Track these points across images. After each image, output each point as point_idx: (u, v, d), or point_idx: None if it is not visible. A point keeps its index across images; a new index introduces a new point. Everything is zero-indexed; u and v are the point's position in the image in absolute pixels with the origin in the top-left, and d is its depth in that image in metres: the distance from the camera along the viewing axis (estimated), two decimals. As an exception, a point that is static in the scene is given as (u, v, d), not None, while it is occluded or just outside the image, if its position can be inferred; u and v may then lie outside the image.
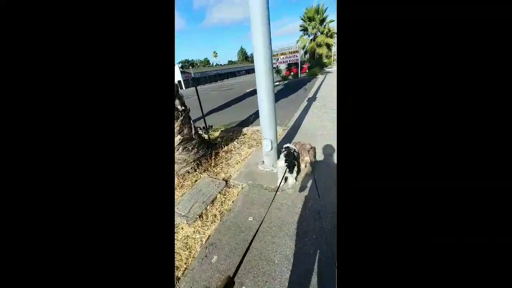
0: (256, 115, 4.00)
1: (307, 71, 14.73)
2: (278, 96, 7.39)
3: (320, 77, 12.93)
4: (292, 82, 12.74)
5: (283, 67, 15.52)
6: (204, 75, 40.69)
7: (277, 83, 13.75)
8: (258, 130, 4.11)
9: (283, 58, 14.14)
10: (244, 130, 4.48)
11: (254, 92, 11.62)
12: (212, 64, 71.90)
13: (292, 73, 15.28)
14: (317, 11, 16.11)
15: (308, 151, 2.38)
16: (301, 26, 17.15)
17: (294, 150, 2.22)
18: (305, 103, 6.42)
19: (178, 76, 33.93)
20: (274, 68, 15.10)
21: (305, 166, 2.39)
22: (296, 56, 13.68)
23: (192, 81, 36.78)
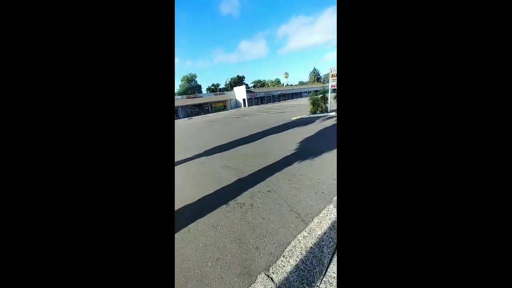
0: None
1: None
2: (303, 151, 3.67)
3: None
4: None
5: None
6: (268, 94, 39.88)
7: (330, 114, 9.12)
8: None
9: (346, 79, 9.40)
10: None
11: (302, 122, 7.09)
12: (283, 84, 71.86)
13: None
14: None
15: None
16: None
17: None
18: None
19: (243, 95, 34.78)
20: (333, 92, 10.47)
21: None
22: (369, 76, 8.65)
23: (256, 100, 36.76)
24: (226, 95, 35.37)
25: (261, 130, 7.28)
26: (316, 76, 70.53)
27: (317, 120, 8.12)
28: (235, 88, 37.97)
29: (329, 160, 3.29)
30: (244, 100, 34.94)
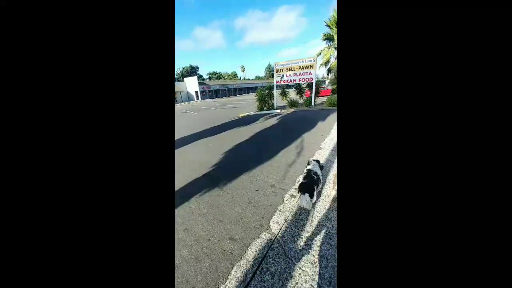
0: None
1: (330, 97, 9.26)
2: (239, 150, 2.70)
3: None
4: (296, 115, 7.59)
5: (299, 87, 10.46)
6: (223, 87, 37.91)
7: (276, 112, 8.74)
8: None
9: (289, 75, 9.07)
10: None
11: (246, 121, 6.93)
12: (240, 78, 70.46)
13: (305, 97, 10.09)
14: (350, 13, 10.94)
15: None
16: (324, 35, 11.97)
17: (315, 173, 1.91)
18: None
19: (196, 87, 31.75)
20: (278, 89, 10.13)
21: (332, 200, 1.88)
22: (310, 74, 8.52)
23: (210, 93, 34.29)
24: (177, 86, 31.34)
25: (198, 131, 6.10)
26: (271, 72, 72.30)
27: (261, 119, 7.52)
28: (186, 79, 34.04)
29: (246, 188, 2.37)
30: (196, 92, 32.04)
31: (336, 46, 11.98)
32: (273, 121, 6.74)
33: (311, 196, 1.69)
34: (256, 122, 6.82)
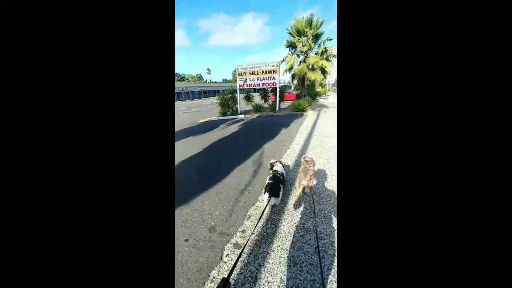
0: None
1: (294, 102, 9.13)
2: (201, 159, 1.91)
3: (309, 115, 7.46)
4: (259, 121, 7.14)
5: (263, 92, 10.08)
6: (186, 90, 35.48)
7: (239, 117, 8.04)
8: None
9: (252, 80, 8.63)
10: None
11: (205, 128, 6.33)
12: (205, 80, 67.78)
13: (271, 101, 9.79)
14: (309, 23, 11.24)
15: (310, 175, 1.81)
16: (287, 42, 12.12)
17: (281, 174, 1.92)
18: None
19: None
20: (242, 93, 9.60)
21: (302, 189, 1.90)
22: (274, 79, 8.27)
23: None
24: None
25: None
26: (239, 76, 71.90)
27: (222, 125, 6.80)
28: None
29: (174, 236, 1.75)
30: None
31: (298, 53, 12.28)
32: (234, 128, 6.10)
33: (277, 196, 1.68)
34: (215, 130, 6.05)
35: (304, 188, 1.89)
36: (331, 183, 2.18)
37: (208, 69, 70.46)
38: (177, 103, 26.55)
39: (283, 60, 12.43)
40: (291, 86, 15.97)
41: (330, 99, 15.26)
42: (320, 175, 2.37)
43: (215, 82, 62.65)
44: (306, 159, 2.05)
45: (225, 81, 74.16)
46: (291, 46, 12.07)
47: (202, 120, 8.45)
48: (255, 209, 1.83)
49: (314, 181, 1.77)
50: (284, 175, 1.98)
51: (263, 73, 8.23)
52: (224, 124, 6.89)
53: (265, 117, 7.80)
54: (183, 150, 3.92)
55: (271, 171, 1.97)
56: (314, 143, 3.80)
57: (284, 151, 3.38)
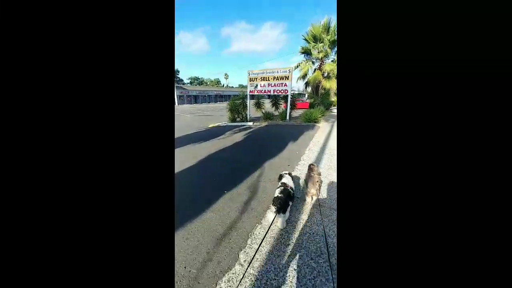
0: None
1: (306, 111, 8.40)
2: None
3: (322, 127, 6.74)
4: (267, 131, 6.57)
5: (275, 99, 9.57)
6: (202, 93, 36.23)
7: (248, 124, 7.48)
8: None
9: (263, 86, 8.10)
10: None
11: (210, 134, 5.96)
12: (223, 85, 69.22)
13: (283, 108, 9.19)
14: (326, 29, 10.58)
15: (316, 182, 1.83)
16: (302, 48, 11.52)
17: (291, 188, 1.76)
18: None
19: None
20: (253, 99, 9.15)
21: (311, 199, 1.88)
22: (285, 85, 7.68)
23: (189, 99, 32.29)
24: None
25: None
26: (254, 81, 72.48)
27: (228, 132, 6.37)
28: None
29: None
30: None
31: (313, 60, 11.64)
32: (239, 137, 5.61)
33: (284, 212, 1.52)
34: (219, 137, 5.62)
35: (312, 197, 1.82)
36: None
37: (226, 74, 71.98)
38: (192, 105, 27.05)
39: (297, 66, 11.86)
40: (305, 94, 15.26)
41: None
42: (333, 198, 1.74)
43: (232, 87, 63.67)
44: (311, 166, 2.00)
45: (240, 86, 75.22)
46: (306, 52, 11.48)
47: (211, 125, 8.14)
48: (231, 281, 1.25)
49: (319, 188, 1.72)
50: (294, 188, 1.82)
51: (275, 79, 7.72)
52: (230, 132, 6.46)
53: (274, 126, 7.23)
54: (177, 162, 3.48)
55: (279, 183, 1.81)
56: (326, 163, 3.15)
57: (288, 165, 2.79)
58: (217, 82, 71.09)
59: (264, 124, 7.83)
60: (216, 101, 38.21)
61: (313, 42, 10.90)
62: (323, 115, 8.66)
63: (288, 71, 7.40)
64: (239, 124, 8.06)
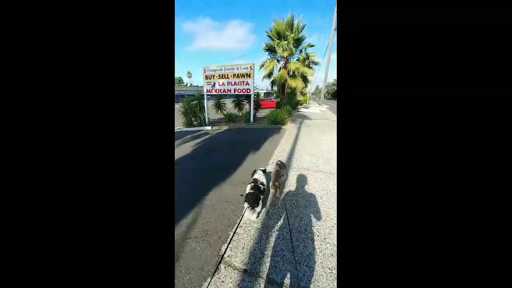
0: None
1: (272, 112, 7.58)
2: None
3: (289, 129, 6.03)
4: (225, 137, 5.47)
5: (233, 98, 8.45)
6: (162, 93, 32.47)
7: (205, 129, 5.97)
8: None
9: (222, 84, 6.95)
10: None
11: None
12: (185, 84, 64.42)
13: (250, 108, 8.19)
14: (290, 26, 10.12)
15: (281, 176, 1.99)
16: (266, 45, 10.83)
17: (262, 183, 1.84)
18: None
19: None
20: (210, 98, 7.91)
21: (275, 191, 1.94)
22: (247, 84, 6.72)
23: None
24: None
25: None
26: (221, 81, 69.89)
27: (178, 141, 5.03)
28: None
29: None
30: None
31: (278, 58, 11.07)
32: (188, 147, 4.37)
33: (256, 206, 1.61)
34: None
35: (276, 190, 1.90)
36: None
37: (189, 72, 67.27)
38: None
39: (262, 65, 11.11)
40: (273, 93, 14.69)
41: (312, 109, 14.16)
42: None
43: (196, 86, 59.73)
44: (278, 162, 2.16)
45: (206, 85, 71.36)
46: (270, 50, 10.81)
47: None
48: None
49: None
50: (265, 184, 1.87)
51: (235, 77, 6.67)
52: (180, 140, 5.12)
53: (235, 131, 6.19)
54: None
55: (252, 179, 1.88)
56: (291, 183, 2.29)
57: (238, 202, 1.80)
58: (179, 80, 65.87)
59: (224, 128, 6.71)
60: (177, 102, 34.97)
61: (277, 39, 10.28)
62: (290, 115, 8.05)
63: (249, 68, 6.45)
64: (195, 129, 6.71)
